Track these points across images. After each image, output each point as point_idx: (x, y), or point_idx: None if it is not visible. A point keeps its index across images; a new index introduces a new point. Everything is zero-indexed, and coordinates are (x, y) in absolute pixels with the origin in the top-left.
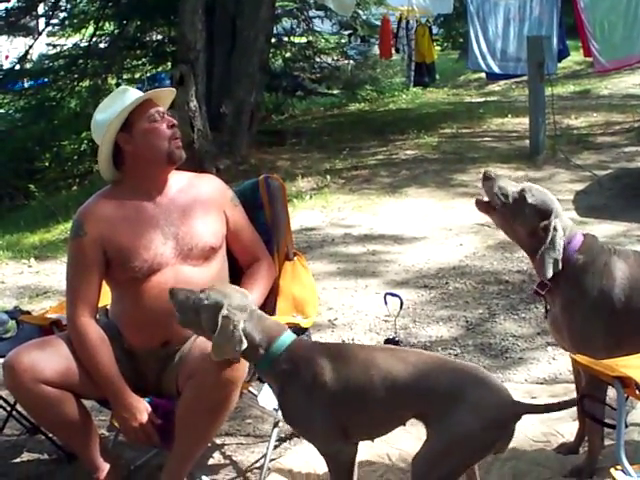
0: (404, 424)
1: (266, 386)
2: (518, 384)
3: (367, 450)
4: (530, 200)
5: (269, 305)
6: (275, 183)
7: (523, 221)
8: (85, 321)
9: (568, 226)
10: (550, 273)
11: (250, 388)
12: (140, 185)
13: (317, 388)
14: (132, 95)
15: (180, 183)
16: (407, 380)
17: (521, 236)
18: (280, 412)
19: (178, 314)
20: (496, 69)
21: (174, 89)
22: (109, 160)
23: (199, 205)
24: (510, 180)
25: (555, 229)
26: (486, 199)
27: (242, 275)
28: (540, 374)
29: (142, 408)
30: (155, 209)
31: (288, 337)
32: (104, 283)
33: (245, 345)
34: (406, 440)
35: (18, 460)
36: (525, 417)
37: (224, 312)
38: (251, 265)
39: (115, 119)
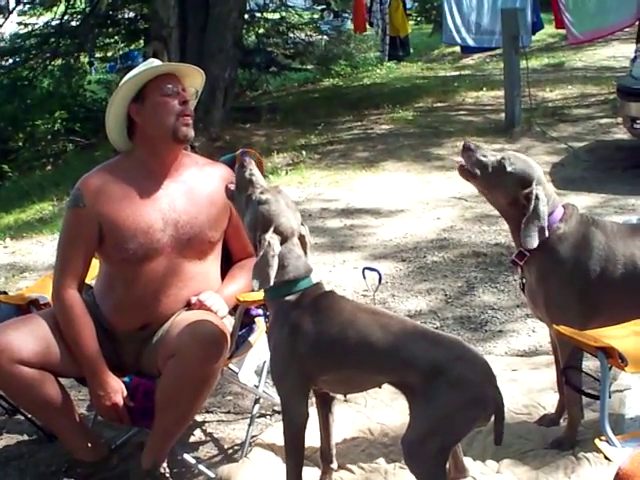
0: (379, 387)
1: (246, 363)
2: (498, 357)
3: (349, 425)
4: (510, 169)
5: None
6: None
7: (504, 190)
8: (71, 293)
9: (551, 195)
10: (535, 242)
11: (230, 365)
12: (147, 161)
13: (297, 340)
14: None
15: (191, 168)
16: (384, 348)
17: (502, 205)
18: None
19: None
20: (471, 42)
21: (201, 70)
22: (120, 129)
23: (206, 195)
24: (490, 150)
25: (537, 197)
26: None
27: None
28: (520, 346)
29: (117, 388)
30: (160, 191)
31: (306, 282)
32: (93, 258)
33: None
34: (388, 415)
35: None
36: (506, 390)
37: (269, 236)
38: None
39: (123, 86)
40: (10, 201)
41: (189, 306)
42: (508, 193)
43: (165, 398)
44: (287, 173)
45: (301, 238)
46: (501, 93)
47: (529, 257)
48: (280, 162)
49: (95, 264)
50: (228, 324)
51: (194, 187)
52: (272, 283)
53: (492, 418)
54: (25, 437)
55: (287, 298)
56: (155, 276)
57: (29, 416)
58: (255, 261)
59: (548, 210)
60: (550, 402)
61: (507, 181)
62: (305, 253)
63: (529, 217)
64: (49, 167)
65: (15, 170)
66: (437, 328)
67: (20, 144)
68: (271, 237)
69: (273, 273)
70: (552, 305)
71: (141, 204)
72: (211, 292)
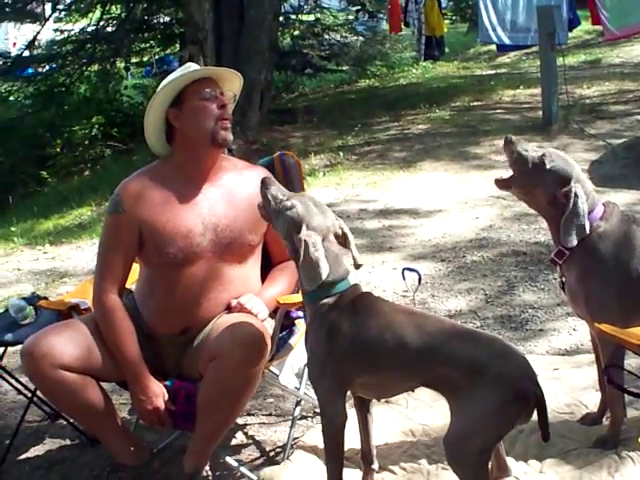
0: (413, 390)
1: (287, 365)
2: (540, 356)
3: (391, 427)
4: (549, 166)
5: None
6: (291, 160)
7: (543, 188)
8: (112, 298)
9: (591, 193)
10: (575, 241)
11: (271, 367)
12: (186, 166)
13: (334, 341)
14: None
15: (230, 172)
16: (422, 348)
17: (541, 204)
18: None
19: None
20: (506, 40)
21: (239, 74)
22: (159, 134)
23: (245, 199)
24: (531, 144)
25: (576, 195)
26: (504, 177)
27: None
28: (561, 345)
29: (159, 392)
30: (199, 196)
31: (344, 284)
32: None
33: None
34: (430, 416)
35: (40, 446)
36: (548, 388)
37: (305, 234)
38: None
39: (162, 91)
40: (49, 207)
41: (229, 309)
42: (547, 191)
43: (207, 401)
44: (325, 175)
45: (340, 236)
46: (538, 91)
47: (569, 255)
48: (317, 164)
49: (135, 268)
50: (268, 327)
51: (233, 191)
52: (325, 276)
53: (535, 415)
54: (67, 442)
55: (325, 300)
56: (195, 280)
57: (71, 421)
58: (299, 263)
59: (588, 208)
60: (592, 401)
61: (546, 179)
62: (350, 249)
63: (568, 215)
64: (87, 172)
65: (53, 176)
66: (478, 328)
67: (58, 150)
68: (307, 235)
69: (324, 265)
70: (593, 303)
71: (181, 208)
72: (251, 295)
